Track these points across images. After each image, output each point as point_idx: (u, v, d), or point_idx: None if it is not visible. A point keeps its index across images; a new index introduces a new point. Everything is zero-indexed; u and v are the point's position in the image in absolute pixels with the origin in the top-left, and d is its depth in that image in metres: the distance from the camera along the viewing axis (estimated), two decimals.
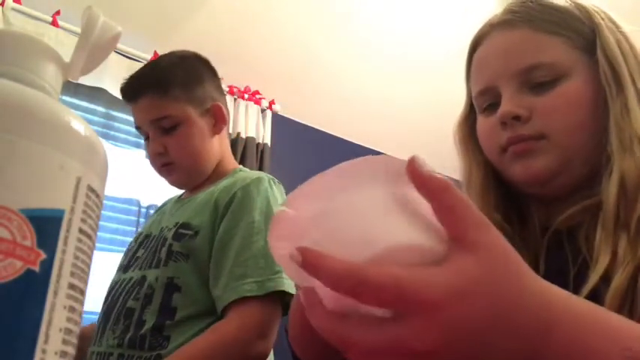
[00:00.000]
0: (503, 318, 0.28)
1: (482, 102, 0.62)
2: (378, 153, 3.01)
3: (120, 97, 1.88)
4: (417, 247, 0.28)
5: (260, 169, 2.28)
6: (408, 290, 0.26)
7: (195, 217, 0.97)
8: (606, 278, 0.48)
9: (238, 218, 0.94)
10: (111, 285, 1.02)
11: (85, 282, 0.27)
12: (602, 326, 0.31)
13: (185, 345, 0.85)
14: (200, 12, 2.15)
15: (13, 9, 1.82)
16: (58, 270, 0.24)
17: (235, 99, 2.32)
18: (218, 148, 1.09)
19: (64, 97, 1.92)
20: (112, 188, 1.91)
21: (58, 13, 1.89)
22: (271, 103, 2.43)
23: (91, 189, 0.27)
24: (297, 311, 0.53)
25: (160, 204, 1.84)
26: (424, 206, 0.29)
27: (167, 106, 1.01)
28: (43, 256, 0.24)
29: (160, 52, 2.11)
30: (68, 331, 0.25)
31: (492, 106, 0.60)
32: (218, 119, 1.08)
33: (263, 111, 2.41)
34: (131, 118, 2.06)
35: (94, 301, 1.16)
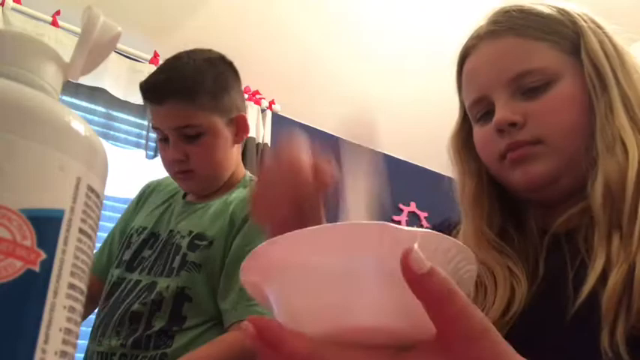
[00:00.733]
0: None
1: (476, 112, 0.62)
2: (377, 153, 3.01)
3: (120, 97, 1.89)
4: (386, 330, 0.26)
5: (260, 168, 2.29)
6: None
7: (210, 228, 0.98)
8: (604, 279, 0.49)
9: (254, 236, 0.94)
10: (113, 281, 1.01)
11: (85, 282, 0.27)
12: None
13: (194, 352, 0.86)
14: (200, 12, 2.15)
15: (13, 9, 1.82)
16: (58, 270, 0.24)
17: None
18: (236, 157, 1.09)
19: (64, 97, 1.92)
20: (112, 188, 1.91)
21: (58, 13, 1.89)
22: (271, 103, 2.43)
23: (91, 189, 0.27)
24: None
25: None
26: None
27: (194, 114, 0.98)
28: (43, 256, 0.24)
29: (160, 52, 2.11)
30: (68, 331, 0.25)
31: (487, 115, 0.60)
32: (240, 129, 1.07)
33: (263, 111, 2.41)
34: (131, 118, 2.07)
35: None
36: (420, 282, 0.24)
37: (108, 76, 1.98)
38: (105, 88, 1.97)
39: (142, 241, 1.05)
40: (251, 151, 2.27)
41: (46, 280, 0.24)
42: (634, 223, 0.49)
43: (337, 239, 0.26)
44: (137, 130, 2.06)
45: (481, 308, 0.54)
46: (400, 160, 2.88)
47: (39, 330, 0.23)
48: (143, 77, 2.13)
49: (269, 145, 2.36)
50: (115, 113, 2.03)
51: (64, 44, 1.90)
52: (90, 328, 1.03)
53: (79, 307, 0.26)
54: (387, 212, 2.60)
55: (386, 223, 0.26)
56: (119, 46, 2.02)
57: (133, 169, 1.97)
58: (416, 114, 2.68)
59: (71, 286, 0.25)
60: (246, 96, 2.34)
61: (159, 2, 2.07)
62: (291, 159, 0.48)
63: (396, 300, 0.25)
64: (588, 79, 0.56)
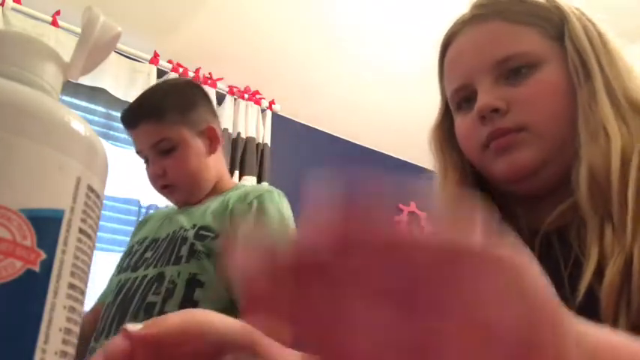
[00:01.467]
0: None
1: (458, 100, 0.61)
2: (377, 153, 3.02)
3: (120, 97, 1.92)
4: None
5: (260, 169, 2.29)
6: None
7: (214, 222, 1.05)
8: (600, 275, 0.47)
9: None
10: (118, 284, 1.05)
11: (85, 282, 0.27)
12: None
13: None
14: (200, 12, 2.15)
15: (13, 9, 1.82)
16: (58, 270, 0.24)
17: (235, 99, 2.32)
18: (214, 166, 1.17)
19: (64, 97, 1.92)
20: (112, 188, 1.91)
21: (58, 13, 1.89)
22: (271, 103, 2.43)
23: (90, 189, 0.27)
24: None
25: (159, 204, 1.84)
26: None
27: (164, 129, 1.09)
28: (43, 256, 0.24)
29: (160, 52, 2.11)
30: (68, 331, 0.25)
31: (469, 104, 0.59)
32: (212, 140, 1.17)
33: (263, 111, 2.41)
34: None
35: (94, 301, 1.17)
36: None
37: (108, 76, 1.98)
38: (105, 88, 1.97)
39: (143, 247, 1.10)
40: (251, 151, 2.27)
41: (46, 280, 0.24)
42: (625, 213, 0.48)
43: None
44: None
45: None
46: (400, 160, 2.88)
47: (39, 330, 0.23)
48: (143, 77, 2.14)
49: (269, 145, 2.36)
50: (115, 113, 2.03)
51: (64, 44, 1.90)
52: None
53: (79, 307, 0.26)
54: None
55: None
56: (119, 46, 2.02)
57: (133, 169, 1.97)
58: (416, 114, 2.68)
59: (71, 286, 0.25)
60: (246, 96, 2.34)
61: (159, 2, 2.07)
62: None
63: None
64: (572, 66, 0.55)
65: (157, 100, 1.13)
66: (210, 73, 2.21)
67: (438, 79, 0.66)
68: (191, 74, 2.17)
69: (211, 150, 1.16)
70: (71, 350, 0.25)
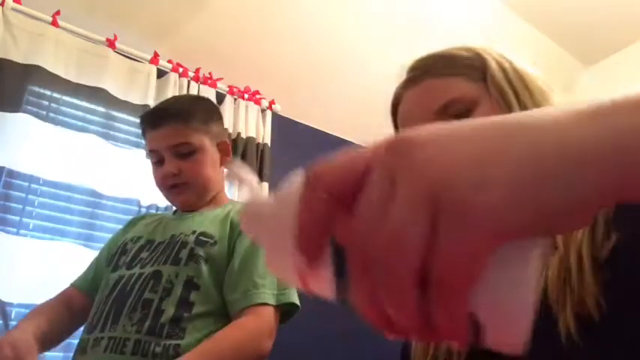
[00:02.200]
0: None
1: None
2: None
3: (120, 97, 1.93)
4: None
5: (260, 169, 2.28)
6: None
7: (213, 230, 1.10)
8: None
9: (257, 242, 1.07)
10: (112, 280, 1.08)
11: None
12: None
13: (213, 337, 0.95)
14: (200, 12, 2.15)
15: (13, 9, 1.82)
16: None
17: (235, 99, 2.32)
18: (220, 179, 1.24)
19: (64, 97, 1.92)
20: (112, 188, 1.90)
21: (58, 13, 1.89)
22: (271, 103, 2.43)
23: None
24: None
25: (159, 204, 1.84)
26: None
27: (187, 134, 1.16)
28: None
29: (160, 52, 2.11)
30: None
31: None
32: (225, 154, 1.25)
33: (263, 111, 2.40)
34: (131, 118, 2.07)
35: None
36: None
37: (108, 76, 1.98)
38: (105, 88, 1.97)
39: (139, 247, 1.14)
40: (251, 151, 2.26)
41: None
42: None
43: None
44: (137, 130, 2.05)
45: None
46: None
47: None
48: (143, 77, 2.14)
49: (269, 145, 2.36)
50: (115, 113, 2.02)
51: (64, 44, 1.91)
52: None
53: None
54: None
55: None
56: (119, 45, 2.02)
57: (133, 169, 1.97)
58: None
59: None
60: (246, 96, 2.34)
61: (159, 2, 2.07)
62: None
63: None
64: (495, 102, 0.63)
65: (186, 106, 1.21)
66: (210, 73, 2.21)
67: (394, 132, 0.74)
68: (191, 74, 2.17)
69: (221, 163, 1.24)
70: None
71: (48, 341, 1.07)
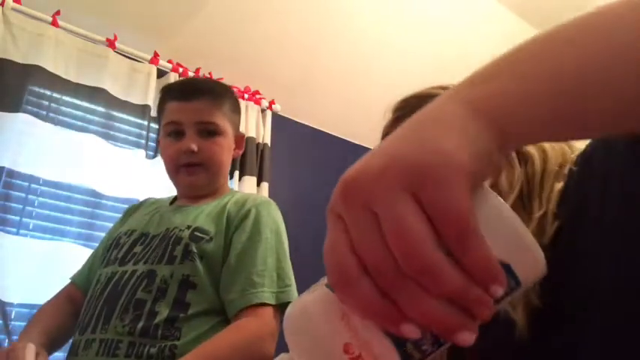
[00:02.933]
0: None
1: None
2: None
3: (120, 97, 1.92)
4: None
5: (260, 169, 2.28)
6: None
7: (210, 225, 1.06)
8: None
9: (255, 233, 1.05)
10: (104, 276, 1.04)
11: None
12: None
13: (216, 336, 0.92)
14: (200, 12, 2.15)
15: (13, 9, 1.82)
16: None
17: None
18: (229, 168, 1.23)
19: (64, 97, 1.92)
20: (112, 188, 1.90)
21: (58, 13, 1.89)
22: (271, 103, 2.43)
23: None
24: None
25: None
26: None
27: (218, 115, 1.15)
28: None
29: (160, 52, 2.11)
30: None
31: None
32: (238, 146, 1.24)
33: (263, 111, 2.41)
34: (131, 118, 2.07)
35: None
36: None
37: (108, 76, 1.98)
38: (105, 88, 1.97)
39: (132, 240, 1.09)
40: (251, 151, 2.26)
41: None
42: None
43: None
44: (137, 130, 2.06)
45: None
46: None
47: None
48: (143, 77, 2.14)
49: (269, 145, 2.36)
50: (115, 113, 2.02)
51: (64, 44, 1.91)
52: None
53: None
54: None
55: None
56: (119, 45, 2.02)
57: (133, 169, 1.97)
58: None
59: None
60: (246, 96, 2.34)
61: (159, 2, 2.07)
62: None
63: None
64: None
65: (221, 90, 1.21)
66: (210, 73, 2.21)
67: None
68: (191, 74, 2.17)
69: (234, 154, 1.22)
70: None
71: (56, 341, 1.06)
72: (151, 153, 2.06)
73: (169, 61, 2.13)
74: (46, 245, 1.75)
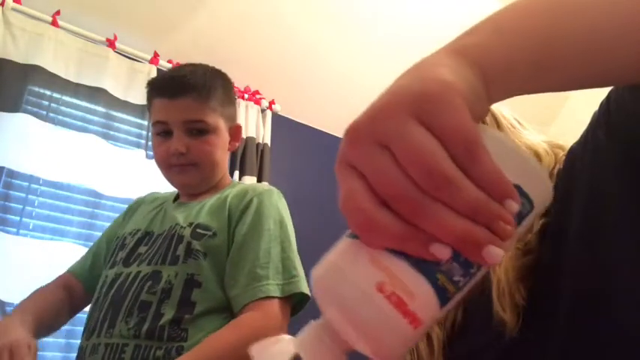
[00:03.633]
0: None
1: None
2: None
3: (120, 97, 1.90)
4: None
5: (260, 169, 2.28)
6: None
7: (211, 220, 1.02)
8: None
9: (256, 224, 1.01)
10: (109, 278, 1.02)
11: None
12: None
13: (215, 334, 0.89)
14: (200, 12, 2.15)
15: (13, 9, 1.82)
16: None
17: (235, 99, 2.32)
18: (226, 163, 1.18)
19: (64, 97, 1.92)
20: (112, 188, 1.90)
21: (58, 13, 1.89)
22: (271, 103, 2.43)
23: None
24: None
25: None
26: None
27: (206, 112, 1.07)
28: None
29: (160, 52, 2.11)
30: None
31: None
32: (235, 138, 1.17)
33: (263, 111, 2.41)
34: (131, 118, 2.07)
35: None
36: None
37: (108, 76, 1.98)
38: (105, 88, 1.97)
39: (136, 240, 1.07)
40: (251, 151, 2.26)
41: None
42: None
43: None
44: (137, 130, 2.06)
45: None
46: None
47: None
48: (143, 77, 2.14)
49: (269, 145, 2.36)
50: (115, 113, 2.02)
51: (64, 44, 1.91)
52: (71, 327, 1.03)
53: None
54: None
55: None
56: (119, 45, 2.02)
57: (133, 169, 1.97)
58: None
59: None
60: (246, 96, 2.34)
61: (159, 2, 2.07)
62: None
63: None
64: None
65: (207, 80, 1.10)
66: None
67: None
68: None
69: (230, 147, 1.16)
70: None
71: (46, 328, 1.03)
72: (151, 153, 2.06)
73: (169, 61, 2.13)
74: (46, 245, 1.75)
